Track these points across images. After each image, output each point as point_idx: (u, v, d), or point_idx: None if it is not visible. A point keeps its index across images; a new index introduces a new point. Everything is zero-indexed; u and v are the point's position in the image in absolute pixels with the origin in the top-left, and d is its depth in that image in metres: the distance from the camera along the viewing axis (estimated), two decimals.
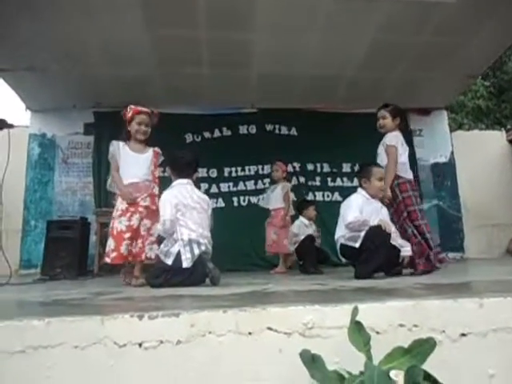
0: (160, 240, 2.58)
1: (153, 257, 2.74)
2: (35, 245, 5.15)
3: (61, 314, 1.16)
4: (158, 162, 3.02)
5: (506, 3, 3.84)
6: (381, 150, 3.07)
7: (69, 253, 4.22)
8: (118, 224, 2.72)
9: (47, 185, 5.44)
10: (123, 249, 2.67)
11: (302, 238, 3.96)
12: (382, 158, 3.03)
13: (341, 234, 2.75)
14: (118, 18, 3.88)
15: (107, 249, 2.72)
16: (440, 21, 4.09)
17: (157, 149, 2.99)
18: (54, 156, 5.52)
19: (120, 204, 2.79)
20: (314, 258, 3.80)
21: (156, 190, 2.89)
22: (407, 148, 3.14)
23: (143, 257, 2.75)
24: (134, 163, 2.85)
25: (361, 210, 2.68)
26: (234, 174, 5.69)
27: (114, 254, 2.68)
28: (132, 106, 2.92)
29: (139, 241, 2.75)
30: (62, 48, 4.27)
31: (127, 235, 2.70)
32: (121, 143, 2.89)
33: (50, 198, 5.41)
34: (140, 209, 2.77)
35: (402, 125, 3.20)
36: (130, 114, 2.89)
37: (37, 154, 5.53)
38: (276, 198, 4.34)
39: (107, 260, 2.72)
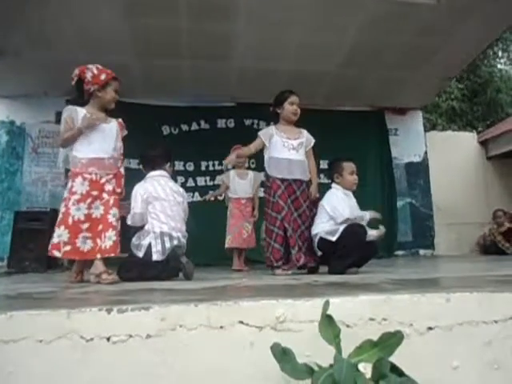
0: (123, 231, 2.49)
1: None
2: (2, 237, 4.95)
3: (26, 307, 1.12)
4: (122, 136, 2.55)
5: (481, 7, 3.96)
6: (302, 143, 3.03)
7: (38, 245, 4.07)
8: (76, 211, 2.22)
9: (15, 174, 5.24)
10: (79, 242, 2.21)
11: None
12: (301, 151, 3.01)
13: (323, 227, 2.77)
14: (97, 3, 3.75)
15: (56, 239, 2.20)
16: (419, 22, 4.18)
17: (120, 120, 2.53)
18: (24, 145, 5.32)
19: (80, 186, 2.25)
20: None
21: (122, 170, 2.46)
22: None
23: (118, 251, 2.28)
24: (97, 134, 2.34)
25: (349, 206, 2.75)
26: (211, 168, 5.64)
27: (67, 248, 2.20)
28: (100, 67, 2.44)
29: (111, 233, 2.26)
30: (36, 32, 4.10)
31: (85, 226, 2.23)
32: (78, 108, 2.36)
33: (18, 189, 5.21)
34: (104, 195, 2.30)
35: None
36: (103, 78, 2.40)
37: (4, 143, 5.31)
38: (249, 187, 4.02)
39: (56, 254, 2.21)
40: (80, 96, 2.40)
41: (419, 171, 6.22)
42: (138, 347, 1.01)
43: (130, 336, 1.02)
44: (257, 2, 3.82)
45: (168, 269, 2.33)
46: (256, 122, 5.86)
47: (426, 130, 6.64)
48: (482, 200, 6.37)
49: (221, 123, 5.79)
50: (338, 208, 2.71)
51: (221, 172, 5.60)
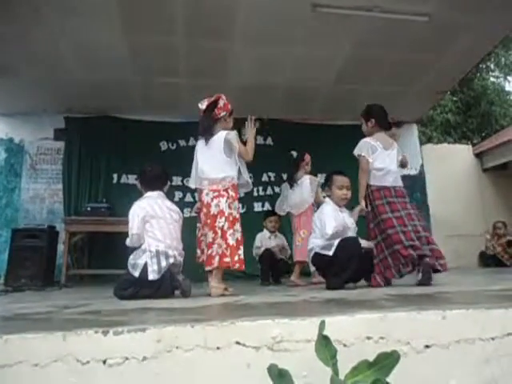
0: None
1: None
2: None
3: (21, 330, 1.11)
4: None
5: (473, 23, 4.05)
6: None
7: (35, 263, 4.06)
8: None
9: (13, 191, 5.25)
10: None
11: (262, 250, 4.00)
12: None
13: (317, 243, 2.77)
14: (95, 22, 3.82)
15: (242, 256, 2.47)
16: (412, 38, 4.26)
17: None
18: (22, 162, 5.34)
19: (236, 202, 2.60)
20: (267, 271, 3.89)
21: None
22: (385, 151, 2.91)
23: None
24: None
25: (335, 220, 2.71)
26: None
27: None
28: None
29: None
30: (35, 51, 4.16)
31: None
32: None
33: (15, 206, 5.21)
34: None
35: (381, 123, 2.98)
36: (230, 107, 2.74)
37: (3, 160, 5.34)
38: None
39: (244, 268, 2.48)
40: (212, 120, 2.63)
41: (416, 184, 6.25)
42: (134, 370, 1.01)
43: (127, 358, 1.01)
44: (252, 20, 3.89)
45: (163, 288, 2.32)
46: None
47: (421, 143, 6.70)
48: (478, 212, 6.39)
49: None
50: (323, 223, 2.71)
51: None
